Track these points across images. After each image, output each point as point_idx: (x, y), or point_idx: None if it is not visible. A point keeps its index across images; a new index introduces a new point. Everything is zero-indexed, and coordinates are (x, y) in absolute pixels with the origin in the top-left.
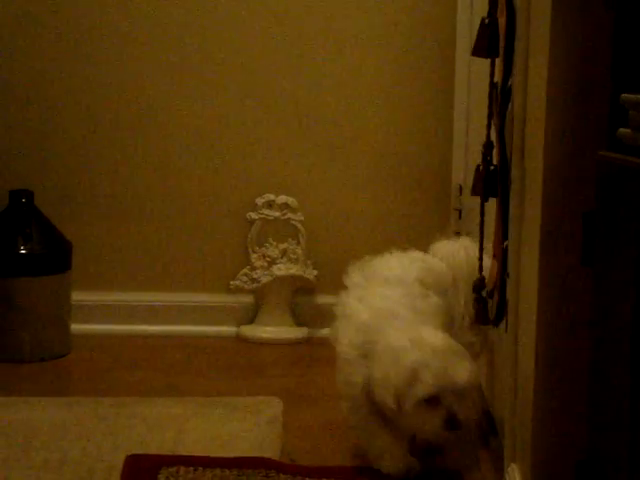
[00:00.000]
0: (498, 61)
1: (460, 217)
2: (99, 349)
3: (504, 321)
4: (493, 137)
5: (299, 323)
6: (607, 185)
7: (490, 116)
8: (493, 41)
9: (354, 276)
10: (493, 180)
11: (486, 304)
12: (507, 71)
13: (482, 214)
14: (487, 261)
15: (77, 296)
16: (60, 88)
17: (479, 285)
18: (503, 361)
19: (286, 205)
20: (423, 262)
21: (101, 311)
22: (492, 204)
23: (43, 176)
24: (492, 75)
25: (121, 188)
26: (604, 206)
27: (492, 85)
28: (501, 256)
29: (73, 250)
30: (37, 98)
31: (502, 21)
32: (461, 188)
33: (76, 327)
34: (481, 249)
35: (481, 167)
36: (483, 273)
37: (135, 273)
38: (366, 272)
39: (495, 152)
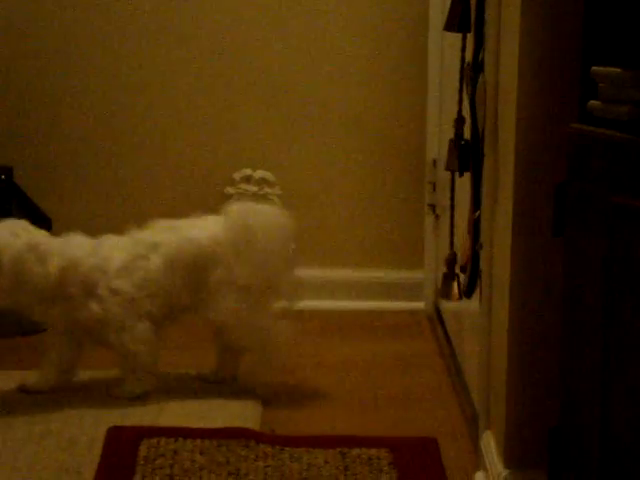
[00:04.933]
0: (469, 35)
1: (434, 190)
2: None
3: (476, 293)
4: (465, 112)
5: None
6: (578, 157)
7: (461, 91)
8: (465, 16)
9: None
10: (466, 155)
11: (456, 280)
12: (478, 45)
13: (452, 189)
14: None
15: None
16: (39, 64)
17: (451, 260)
18: (475, 331)
19: (263, 180)
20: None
21: None
22: (464, 179)
23: (22, 152)
24: (463, 50)
25: (101, 165)
26: (575, 177)
27: (463, 60)
28: (473, 229)
29: (53, 226)
30: (15, 74)
31: None
32: (435, 161)
33: None
34: (452, 224)
35: (454, 142)
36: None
37: None
38: None
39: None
